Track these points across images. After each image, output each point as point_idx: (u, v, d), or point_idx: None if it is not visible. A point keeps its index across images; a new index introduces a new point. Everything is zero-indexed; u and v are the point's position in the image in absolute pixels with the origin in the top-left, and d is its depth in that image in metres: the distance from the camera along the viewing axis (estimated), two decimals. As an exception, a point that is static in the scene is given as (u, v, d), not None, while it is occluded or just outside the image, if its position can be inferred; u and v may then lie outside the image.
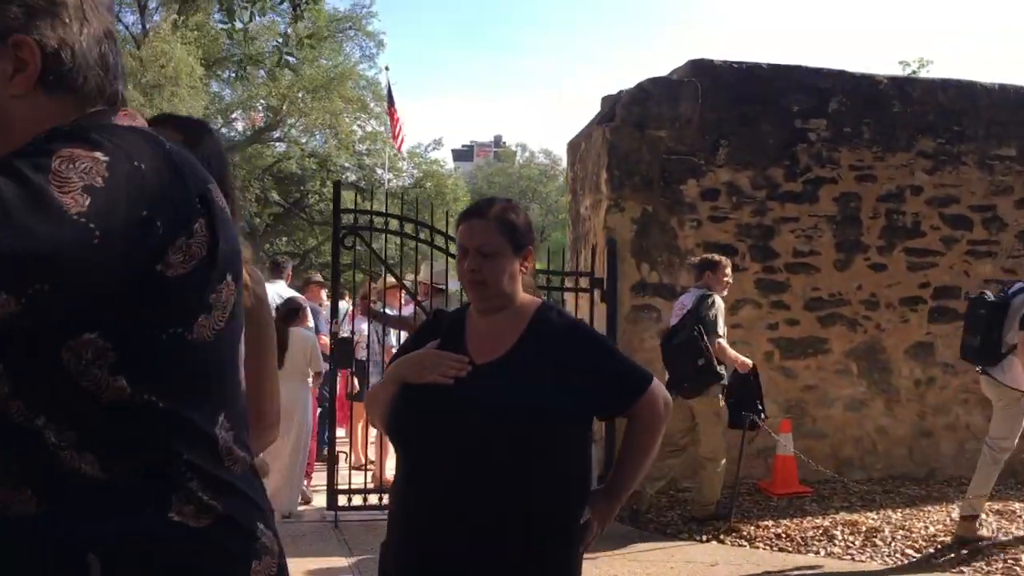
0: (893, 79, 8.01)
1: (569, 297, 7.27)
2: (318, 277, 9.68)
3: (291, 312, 6.43)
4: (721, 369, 6.13)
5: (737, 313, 7.30)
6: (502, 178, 46.58)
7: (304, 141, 29.29)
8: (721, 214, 7.42)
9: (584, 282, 7.16)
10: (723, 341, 6.18)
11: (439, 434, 2.22)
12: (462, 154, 70.53)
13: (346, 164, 30.46)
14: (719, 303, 6.22)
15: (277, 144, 30.11)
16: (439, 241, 6.75)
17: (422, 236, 7.00)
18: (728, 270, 6.45)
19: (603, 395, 2.33)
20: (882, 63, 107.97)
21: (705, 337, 6.00)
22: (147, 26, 26.67)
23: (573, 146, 8.18)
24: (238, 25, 7.24)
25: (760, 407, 6.22)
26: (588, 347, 2.35)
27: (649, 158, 7.19)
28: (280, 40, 6.81)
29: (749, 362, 6.27)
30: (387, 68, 28.03)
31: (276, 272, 8.42)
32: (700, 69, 7.44)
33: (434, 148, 32.88)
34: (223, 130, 29.53)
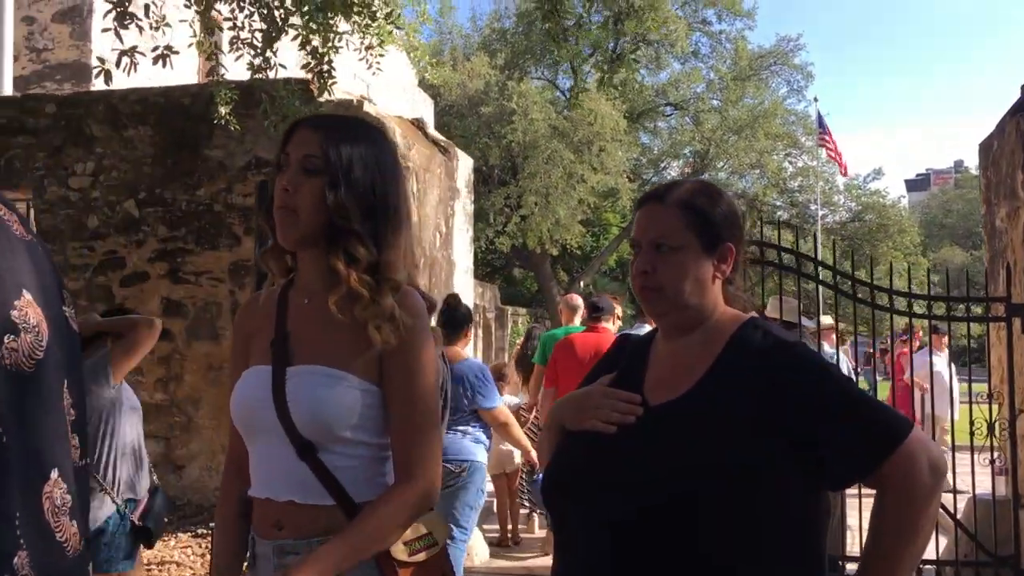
0: None
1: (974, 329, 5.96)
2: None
3: None
4: None
5: None
6: (961, 205, 41.88)
7: (732, 183, 28.89)
8: None
9: (999, 309, 5.82)
10: None
11: (589, 499, 1.66)
12: (917, 183, 65.10)
13: (777, 202, 29.49)
14: None
15: (706, 188, 30.10)
16: (812, 271, 5.94)
17: (793, 268, 6.20)
18: None
19: (829, 453, 1.58)
20: None
21: None
22: (579, 88, 28.31)
23: (984, 147, 6.79)
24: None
25: None
26: (806, 381, 1.61)
27: (1083, 149, 5.68)
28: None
29: None
30: (816, 99, 26.50)
31: None
32: None
33: (874, 178, 30.55)
34: (654, 179, 30.28)
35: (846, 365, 8.48)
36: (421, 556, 1.75)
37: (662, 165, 30.00)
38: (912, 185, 63.32)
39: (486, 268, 28.82)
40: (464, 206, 8.78)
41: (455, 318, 4.82)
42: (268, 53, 4.57)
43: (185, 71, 5.41)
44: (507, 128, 23.87)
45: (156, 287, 7.00)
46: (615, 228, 29.98)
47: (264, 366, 1.76)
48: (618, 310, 5.97)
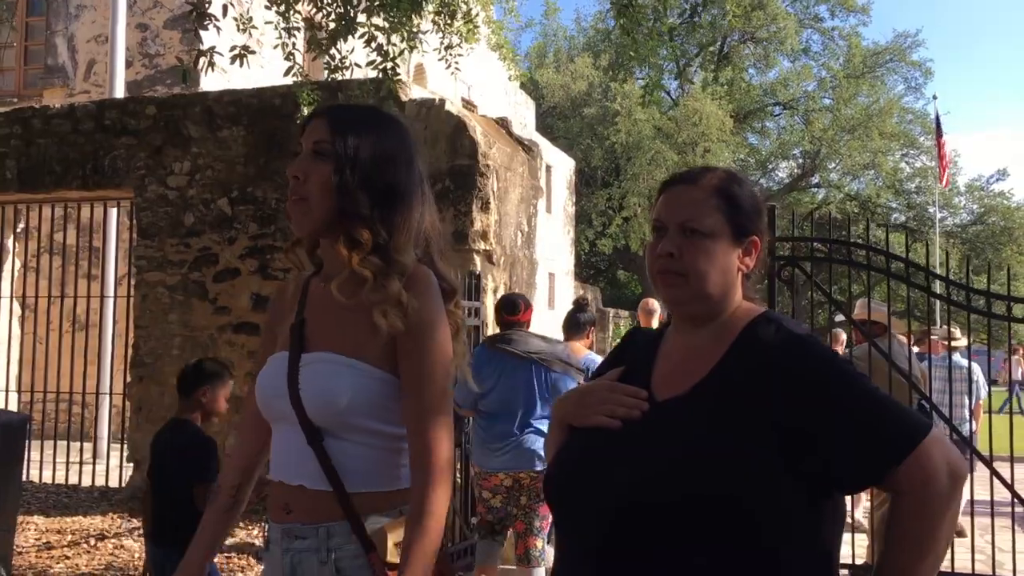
0: None
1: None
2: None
3: None
4: None
5: None
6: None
7: (844, 183, 27.98)
8: None
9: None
10: None
11: (590, 499, 1.59)
12: (1049, 185, 61.64)
13: (892, 204, 28.41)
14: None
15: (816, 190, 29.22)
16: (898, 269, 5.69)
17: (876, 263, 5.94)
18: None
19: (839, 455, 1.48)
20: None
21: None
22: (686, 88, 27.89)
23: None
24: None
25: None
26: (818, 379, 1.51)
27: None
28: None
29: None
30: (935, 97, 25.39)
31: None
32: None
33: (998, 179, 29.05)
34: (762, 181, 29.55)
35: (980, 377, 8.06)
36: None
37: (770, 166, 29.28)
38: (1044, 187, 60.24)
39: (589, 270, 28.69)
40: (564, 207, 8.77)
41: (576, 320, 5.19)
42: (333, 51, 4.63)
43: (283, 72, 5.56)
44: (610, 129, 23.73)
45: (247, 283, 7.21)
46: (721, 230, 29.40)
47: (284, 352, 1.78)
48: None
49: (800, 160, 28.21)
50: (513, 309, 4.90)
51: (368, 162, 1.74)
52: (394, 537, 1.67)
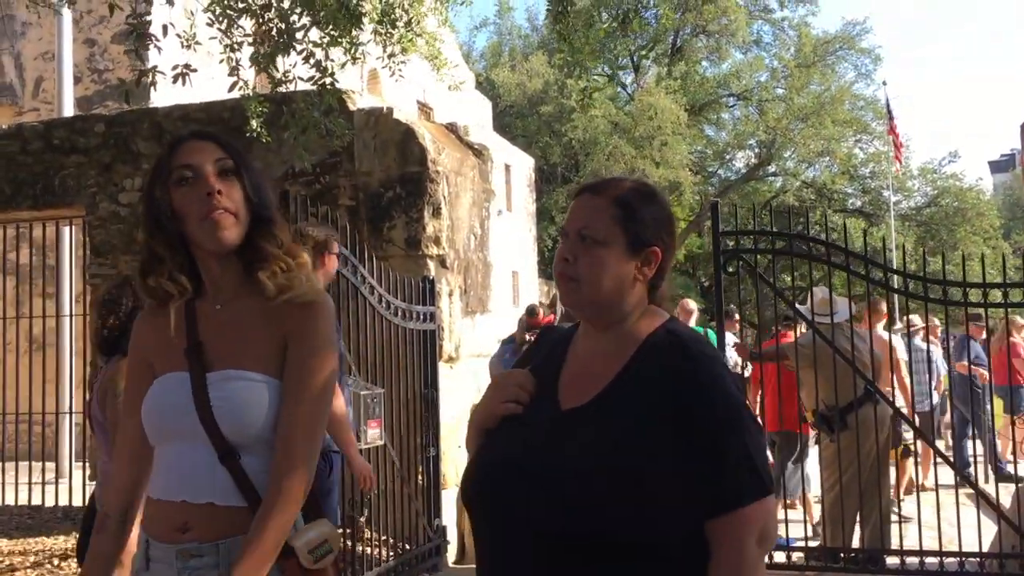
0: None
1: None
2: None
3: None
4: None
5: None
6: (1047, 185, 40.18)
7: (800, 171, 28.32)
8: None
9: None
10: None
11: (497, 512, 1.65)
12: (1001, 165, 62.66)
13: (848, 189, 28.81)
14: None
15: (773, 178, 29.55)
16: (839, 259, 5.84)
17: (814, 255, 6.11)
18: None
19: (695, 480, 1.56)
20: None
21: None
22: (640, 84, 28.09)
23: (1025, 127, 6.60)
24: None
25: None
26: (697, 402, 1.58)
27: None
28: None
29: None
30: (884, 83, 25.79)
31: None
32: None
33: (950, 161, 29.53)
34: (720, 171, 29.85)
35: (939, 358, 8.44)
36: (324, 563, 1.75)
37: (727, 157, 29.58)
38: (996, 167, 60.99)
39: (552, 267, 28.78)
40: (525, 205, 8.86)
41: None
42: (272, 68, 4.71)
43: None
44: (567, 126, 23.87)
45: (202, 296, 7.24)
46: (681, 222, 29.65)
47: (180, 372, 1.78)
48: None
49: (756, 150, 28.50)
50: (532, 314, 6.59)
51: (258, 177, 1.86)
52: (308, 544, 1.73)
